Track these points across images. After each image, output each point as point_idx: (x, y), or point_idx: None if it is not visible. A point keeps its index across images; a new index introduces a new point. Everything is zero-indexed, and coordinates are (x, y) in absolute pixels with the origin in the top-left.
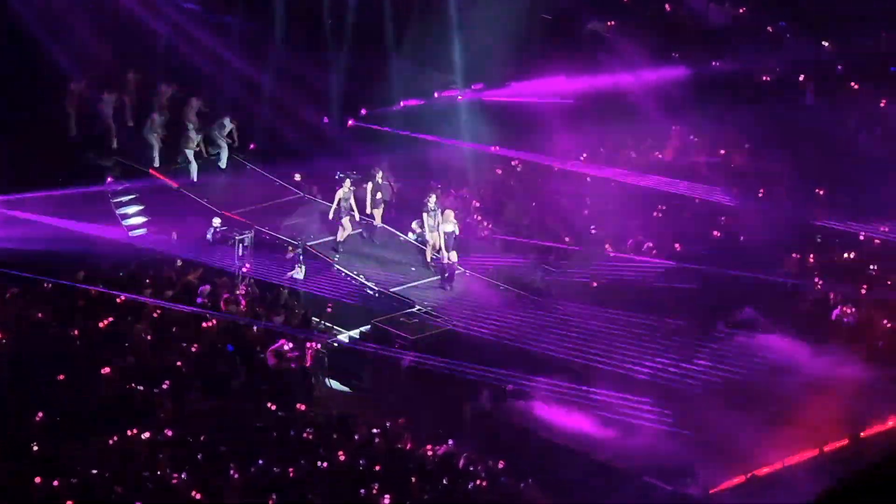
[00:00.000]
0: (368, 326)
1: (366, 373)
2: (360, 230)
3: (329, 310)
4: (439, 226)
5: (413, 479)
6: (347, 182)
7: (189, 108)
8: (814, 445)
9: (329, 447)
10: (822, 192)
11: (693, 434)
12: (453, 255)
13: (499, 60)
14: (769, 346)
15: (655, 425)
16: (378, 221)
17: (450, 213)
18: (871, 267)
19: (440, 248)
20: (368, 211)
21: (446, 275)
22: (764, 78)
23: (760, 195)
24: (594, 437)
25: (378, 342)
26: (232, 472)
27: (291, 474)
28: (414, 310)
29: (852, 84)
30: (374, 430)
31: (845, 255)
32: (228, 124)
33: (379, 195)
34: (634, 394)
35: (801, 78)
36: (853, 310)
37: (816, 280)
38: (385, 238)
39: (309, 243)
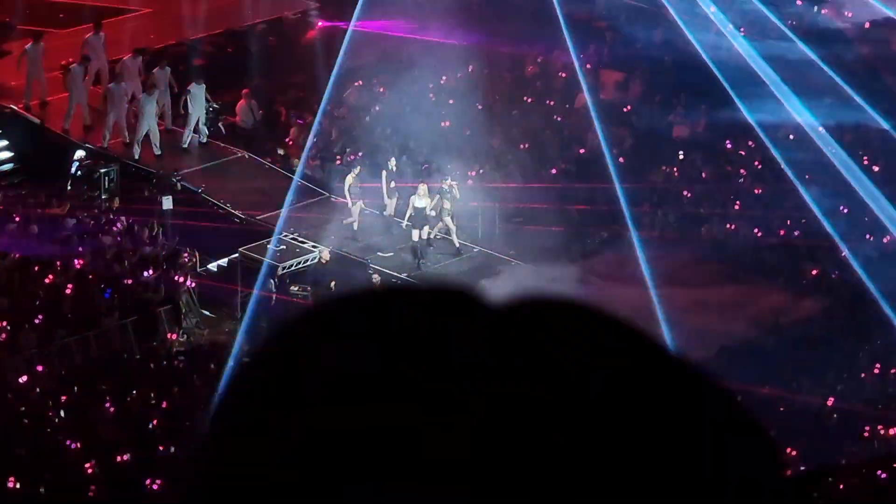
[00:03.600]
0: (236, 255)
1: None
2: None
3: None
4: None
5: None
6: (357, 168)
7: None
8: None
9: (203, 375)
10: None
11: None
12: (424, 232)
13: None
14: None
15: None
16: (390, 211)
17: (423, 188)
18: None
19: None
20: (386, 200)
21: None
22: None
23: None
24: None
25: (245, 269)
26: (107, 404)
27: (165, 405)
28: (282, 236)
29: None
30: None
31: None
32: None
33: (393, 184)
34: None
35: None
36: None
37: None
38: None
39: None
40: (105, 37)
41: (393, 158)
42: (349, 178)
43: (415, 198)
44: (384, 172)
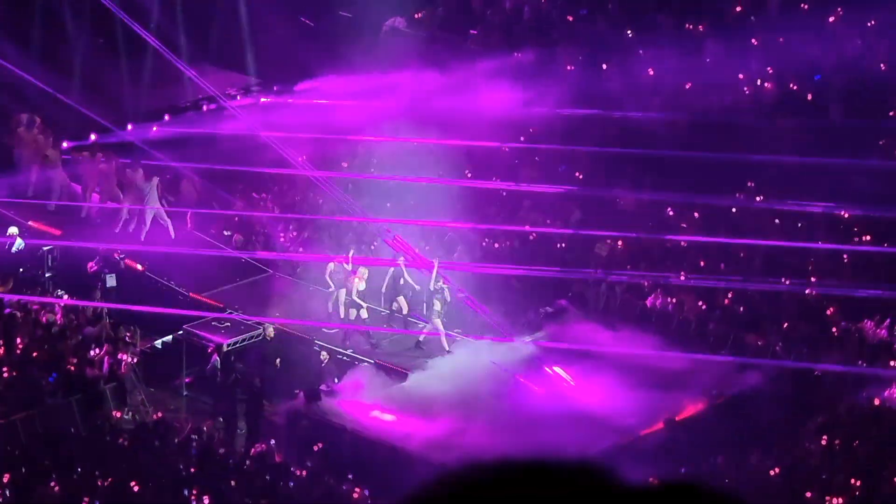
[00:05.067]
0: (181, 332)
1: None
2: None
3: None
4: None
5: (232, 482)
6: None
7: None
8: (629, 432)
9: (148, 451)
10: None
11: (510, 425)
12: (363, 312)
13: (295, 59)
14: (579, 335)
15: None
16: (405, 309)
17: (363, 272)
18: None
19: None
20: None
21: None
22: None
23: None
24: (412, 433)
25: (190, 347)
26: (52, 483)
27: (110, 482)
28: (226, 313)
29: None
30: (193, 436)
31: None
32: None
33: (402, 281)
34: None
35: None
36: (667, 298)
37: (627, 268)
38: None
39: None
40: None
41: (402, 257)
42: (331, 265)
43: (357, 281)
44: (391, 270)
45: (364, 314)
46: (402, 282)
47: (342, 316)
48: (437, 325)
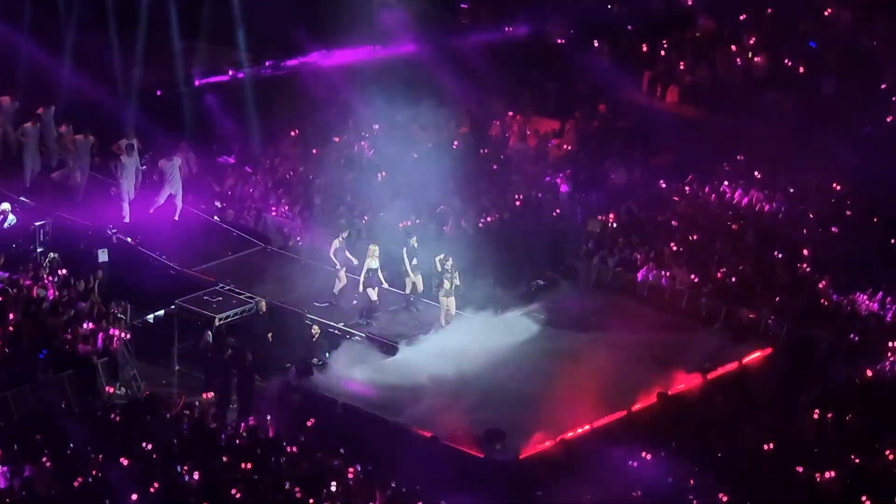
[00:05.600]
0: (172, 306)
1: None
2: (405, 301)
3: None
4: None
5: (224, 457)
6: (346, 232)
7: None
8: (622, 406)
9: (140, 428)
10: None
11: (503, 400)
12: (373, 293)
13: (286, 34)
14: (571, 308)
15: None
16: (420, 287)
17: (374, 249)
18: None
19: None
20: (410, 276)
21: (364, 311)
22: (558, 41)
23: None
24: (403, 406)
25: (182, 321)
26: (44, 459)
27: (101, 458)
28: (217, 287)
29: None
30: (186, 411)
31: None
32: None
33: (415, 261)
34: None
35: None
36: (659, 272)
37: (620, 241)
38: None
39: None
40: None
41: (414, 237)
42: (335, 243)
43: (369, 259)
44: (405, 249)
45: (374, 295)
46: (414, 262)
47: (374, 298)
48: (445, 304)
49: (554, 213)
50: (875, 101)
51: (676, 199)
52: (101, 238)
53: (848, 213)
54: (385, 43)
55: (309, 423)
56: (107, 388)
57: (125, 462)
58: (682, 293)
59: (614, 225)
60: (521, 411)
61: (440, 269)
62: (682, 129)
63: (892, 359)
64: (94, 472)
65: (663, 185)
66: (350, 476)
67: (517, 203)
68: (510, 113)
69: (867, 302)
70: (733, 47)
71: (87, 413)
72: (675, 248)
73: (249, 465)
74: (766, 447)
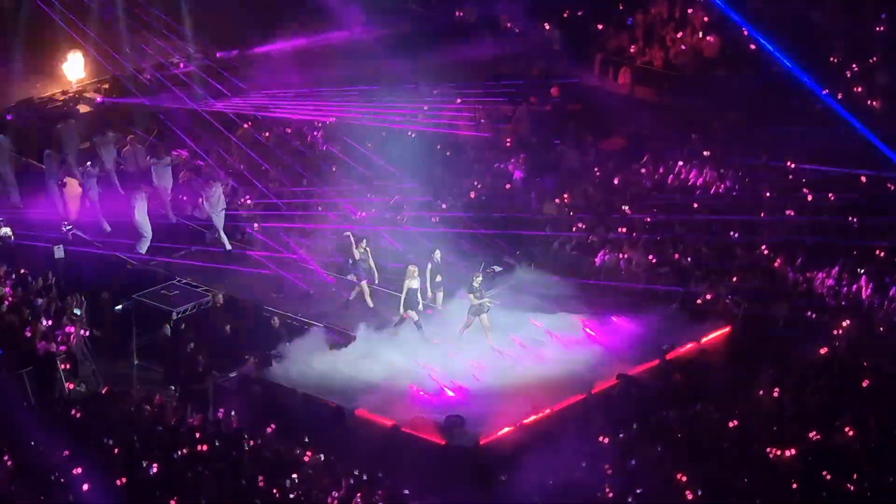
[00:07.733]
0: (130, 301)
1: None
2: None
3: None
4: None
5: (184, 450)
6: (364, 242)
7: None
8: (583, 390)
9: (102, 423)
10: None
11: (462, 386)
12: (414, 315)
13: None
14: (529, 293)
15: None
16: (439, 304)
17: (413, 269)
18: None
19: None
20: (430, 294)
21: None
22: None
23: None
24: (358, 394)
25: (139, 316)
26: (6, 458)
27: (66, 454)
28: (174, 281)
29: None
30: (145, 406)
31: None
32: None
33: (438, 278)
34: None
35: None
36: (616, 254)
37: (576, 225)
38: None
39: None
40: None
41: (438, 251)
42: (356, 253)
43: (408, 281)
44: (429, 265)
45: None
46: (438, 278)
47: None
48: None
49: (508, 199)
50: (827, 77)
51: (631, 180)
52: (56, 235)
53: (804, 190)
54: (336, 29)
55: (267, 413)
56: (67, 385)
57: (87, 457)
58: (640, 275)
59: (570, 210)
60: (480, 400)
61: (476, 286)
62: (636, 110)
63: (848, 335)
64: (55, 469)
65: (618, 167)
66: (313, 465)
67: (472, 193)
68: (458, 100)
69: (824, 279)
70: (684, 29)
71: (47, 409)
72: (631, 230)
73: (210, 457)
74: (725, 426)
